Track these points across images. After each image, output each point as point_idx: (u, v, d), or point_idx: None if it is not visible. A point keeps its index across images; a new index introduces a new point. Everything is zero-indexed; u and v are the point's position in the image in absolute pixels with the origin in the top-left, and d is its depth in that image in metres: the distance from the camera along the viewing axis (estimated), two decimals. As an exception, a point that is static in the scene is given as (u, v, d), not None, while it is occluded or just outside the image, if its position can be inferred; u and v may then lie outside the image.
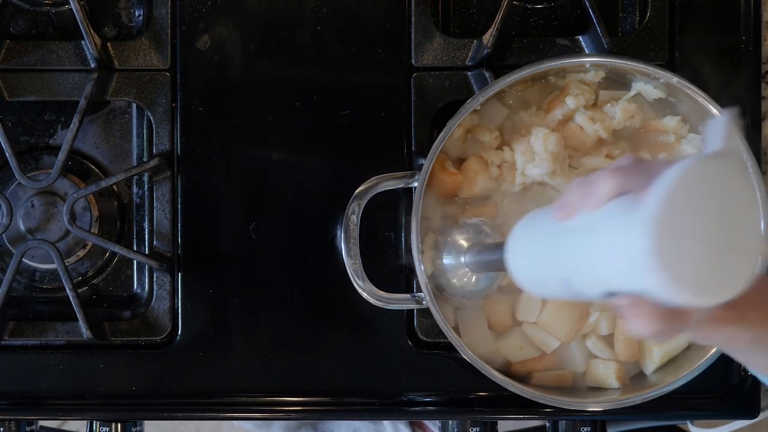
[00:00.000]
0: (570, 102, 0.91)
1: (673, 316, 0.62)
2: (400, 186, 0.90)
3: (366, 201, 0.89)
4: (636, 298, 0.61)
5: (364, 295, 0.90)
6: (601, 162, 0.91)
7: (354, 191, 0.90)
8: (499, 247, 0.77)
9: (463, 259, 0.89)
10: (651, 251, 0.57)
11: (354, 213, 0.89)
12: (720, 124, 0.62)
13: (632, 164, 0.64)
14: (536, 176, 0.90)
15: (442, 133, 0.88)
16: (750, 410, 0.98)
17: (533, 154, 0.90)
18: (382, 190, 0.90)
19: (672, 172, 0.58)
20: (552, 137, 0.89)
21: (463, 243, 0.91)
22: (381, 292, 0.90)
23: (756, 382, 0.98)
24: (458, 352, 0.90)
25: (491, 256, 0.83)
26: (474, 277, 0.91)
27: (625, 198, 0.62)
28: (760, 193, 0.82)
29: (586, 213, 0.64)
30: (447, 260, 0.91)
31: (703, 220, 0.58)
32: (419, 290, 0.97)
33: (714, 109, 0.88)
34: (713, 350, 0.89)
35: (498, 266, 0.80)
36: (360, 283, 0.89)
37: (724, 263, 0.59)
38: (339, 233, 0.97)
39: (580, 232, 0.64)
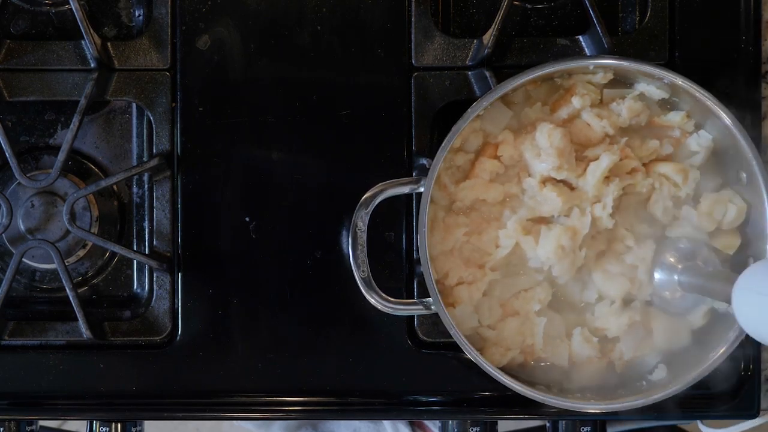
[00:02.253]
0: (576, 102, 0.91)
1: None
2: (406, 191, 0.90)
3: (372, 208, 0.89)
4: None
5: (373, 302, 0.90)
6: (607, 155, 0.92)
7: (354, 191, 0.90)
8: (722, 278, 0.81)
9: (676, 277, 0.90)
10: None
11: (361, 220, 0.89)
12: None
13: None
14: (543, 171, 0.90)
15: (447, 138, 0.88)
16: (750, 410, 0.98)
17: (539, 150, 0.90)
18: (388, 196, 0.90)
19: None
20: (557, 132, 0.90)
21: (672, 261, 0.91)
22: (390, 299, 0.90)
23: (756, 382, 0.98)
24: (458, 352, 0.90)
25: (712, 284, 0.85)
26: (682, 295, 0.91)
27: None
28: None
29: None
30: (657, 273, 0.91)
31: None
32: (420, 288, 0.98)
33: (719, 109, 0.89)
34: (716, 354, 0.89)
35: (716, 295, 0.83)
36: (368, 291, 0.89)
37: None
38: (342, 236, 0.97)
39: None
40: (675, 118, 0.92)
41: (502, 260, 0.92)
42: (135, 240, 1.01)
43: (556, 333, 0.93)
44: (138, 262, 1.00)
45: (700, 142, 0.92)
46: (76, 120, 0.94)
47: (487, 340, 0.93)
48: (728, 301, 0.78)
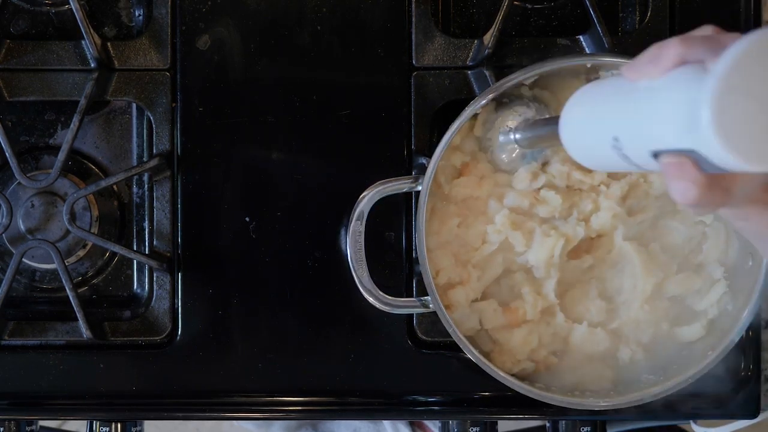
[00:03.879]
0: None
1: (716, 186, 0.64)
2: (404, 190, 0.90)
3: (371, 206, 0.89)
4: (684, 157, 0.63)
5: (372, 301, 0.90)
6: None
7: (354, 191, 0.90)
8: (552, 121, 0.80)
9: (512, 136, 0.90)
10: (711, 109, 0.59)
11: (359, 219, 0.89)
12: None
13: (704, 36, 0.66)
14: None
15: (445, 136, 0.88)
16: (750, 410, 0.98)
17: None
18: (387, 194, 0.90)
19: (742, 41, 0.60)
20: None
21: (510, 125, 0.91)
22: (389, 297, 0.90)
23: (756, 383, 0.98)
24: (458, 352, 0.90)
25: (544, 129, 0.85)
26: (520, 153, 0.92)
27: (693, 65, 0.64)
28: None
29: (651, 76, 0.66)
30: (500, 136, 0.92)
31: (766, 90, 0.60)
32: (419, 287, 0.97)
33: None
34: (715, 353, 0.89)
35: (550, 140, 0.83)
36: (367, 289, 0.89)
37: None
38: (341, 236, 0.97)
39: (643, 91, 0.66)
40: None
41: (488, 258, 0.92)
42: (135, 240, 1.01)
43: (559, 336, 0.93)
44: (138, 262, 1.00)
45: None
46: (76, 120, 0.94)
47: (495, 345, 0.92)
48: (557, 137, 0.78)
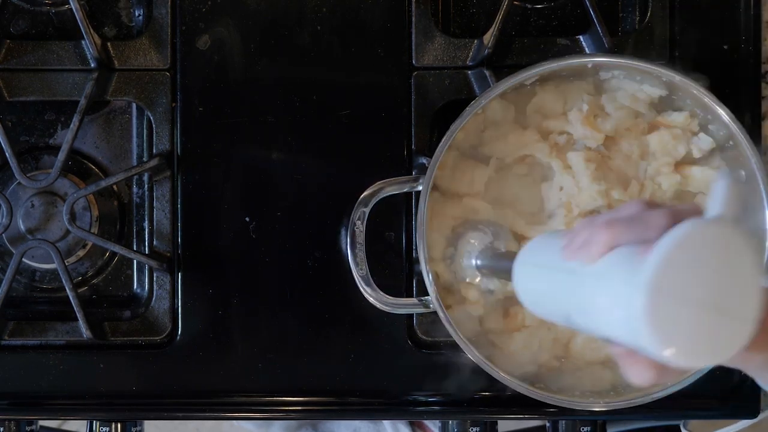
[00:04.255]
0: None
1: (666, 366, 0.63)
2: (405, 190, 0.90)
3: (371, 206, 0.89)
4: (632, 349, 0.62)
5: (372, 300, 0.89)
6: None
7: (354, 191, 0.90)
8: (511, 257, 0.78)
9: (474, 261, 0.90)
10: (645, 312, 0.58)
11: (360, 219, 0.89)
12: (722, 188, 0.63)
13: (630, 218, 0.64)
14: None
15: (445, 137, 0.88)
16: (750, 410, 0.98)
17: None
18: (387, 194, 0.90)
19: (671, 236, 0.59)
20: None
21: (475, 244, 0.91)
22: (389, 297, 0.90)
23: (756, 382, 0.98)
24: (458, 352, 0.90)
25: (502, 264, 0.84)
26: (484, 279, 0.91)
27: (630, 249, 0.63)
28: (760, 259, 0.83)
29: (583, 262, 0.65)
30: (464, 260, 0.91)
31: (699, 285, 0.59)
32: (419, 287, 0.97)
33: (718, 108, 0.88)
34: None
35: (505, 275, 0.81)
36: (367, 289, 0.89)
37: (718, 328, 0.59)
38: (342, 236, 0.97)
39: (584, 276, 0.65)
40: (678, 118, 0.92)
41: None
42: (135, 240, 1.01)
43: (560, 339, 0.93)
44: (138, 262, 1.00)
45: (701, 146, 0.92)
46: (76, 120, 0.94)
47: (496, 348, 0.92)
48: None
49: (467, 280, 0.92)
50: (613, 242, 0.63)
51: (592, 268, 0.64)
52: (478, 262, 0.90)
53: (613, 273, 0.62)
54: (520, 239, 0.92)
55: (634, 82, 0.91)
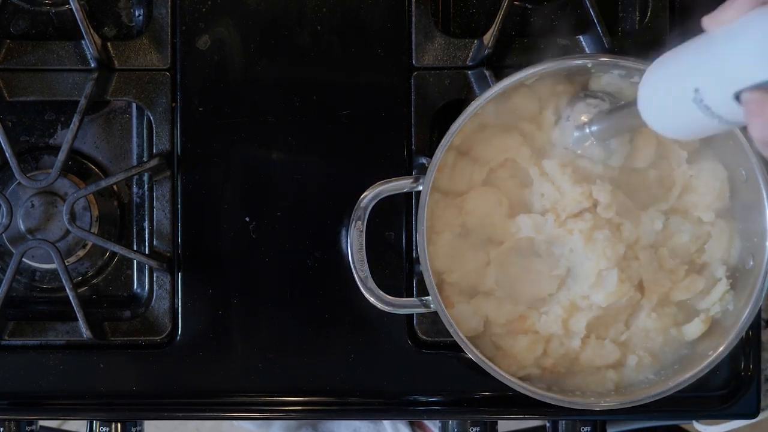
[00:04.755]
0: None
1: None
2: (405, 190, 0.90)
3: (371, 207, 0.89)
4: (763, 92, 0.64)
5: (372, 301, 0.90)
6: None
7: (354, 191, 0.90)
8: (629, 105, 0.82)
9: (588, 130, 0.90)
10: None
11: (360, 219, 0.89)
12: None
13: None
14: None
15: (445, 137, 0.88)
16: (750, 410, 0.98)
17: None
18: (387, 195, 0.90)
19: None
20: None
21: (584, 119, 0.91)
22: (390, 297, 0.90)
23: (756, 383, 0.98)
24: (458, 352, 0.90)
25: (621, 114, 0.87)
26: (598, 147, 0.91)
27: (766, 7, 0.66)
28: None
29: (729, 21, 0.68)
30: (575, 132, 0.91)
31: None
32: (419, 287, 0.97)
33: None
34: (716, 353, 0.89)
35: (629, 123, 0.85)
36: (368, 289, 0.89)
37: None
38: (342, 236, 0.97)
39: (720, 38, 0.68)
40: None
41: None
42: (135, 240, 1.01)
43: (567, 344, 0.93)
44: (138, 262, 1.00)
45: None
46: (76, 120, 0.94)
47: (499, 350, 0.92)
48: (639, 121, 0.79)
49: (579, 150, 0.91)
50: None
51: (731, 28, 0.67)
52: (593, 128, 0.90)
53: (758, 20, 0.65)
54: None
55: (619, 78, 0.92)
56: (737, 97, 0.67)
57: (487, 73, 0.95)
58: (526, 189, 0.93)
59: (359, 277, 0.89)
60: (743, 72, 0.66)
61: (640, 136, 0.92)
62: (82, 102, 0.95)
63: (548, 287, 0.92)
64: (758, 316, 0.96)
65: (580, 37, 0.98)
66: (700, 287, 0.92)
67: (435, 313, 0.89)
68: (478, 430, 0.99)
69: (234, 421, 1.08)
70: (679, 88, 0.72)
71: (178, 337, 0.97)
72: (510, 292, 0.92)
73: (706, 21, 0.70)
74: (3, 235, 0.96)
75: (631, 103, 0.80)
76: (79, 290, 0.99)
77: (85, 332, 0.94)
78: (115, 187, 1.01)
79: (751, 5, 0.67)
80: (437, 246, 0.91)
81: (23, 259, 0.96)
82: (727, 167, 0.92)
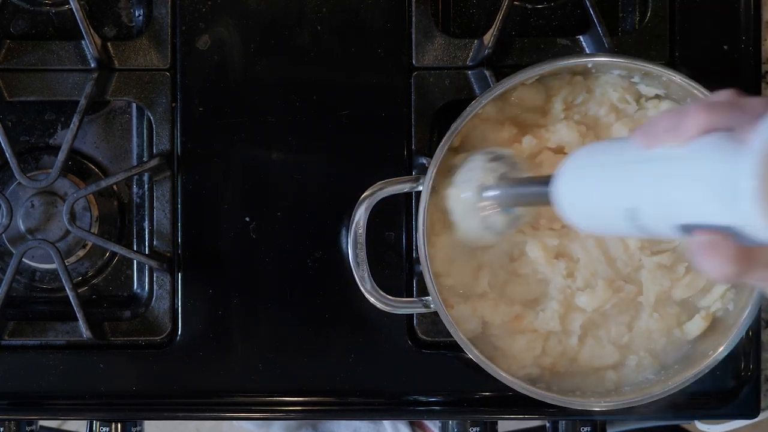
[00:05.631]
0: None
1: (747, 258, 0.61)
2: (405, 190, 0.90)
3: (372, 206, 0.89)
4: (715, 235, 0.60)
5: (372, 301, 0.90)
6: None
7: (354, 191, 0.90)
8: (541, 180, 0.77)
9: (490, 193, 0.85)
10: (755, 184, 0.57)
11: (360, 219, 0.89)
12: None
13: (728, 101, 0.63)
14: None
15: (446, 137, 0.88)
16: (750, 410, 0.98)
17: None
18: (387, 195, 0.90)
19: None
20: None
21: (486, 177, 0.86)
22: (389, 297, 0.90)
23: (756, 383, 0.98)
24: (458, 352, 0.90)
25: (530, 188, 0.81)
26: (494, 216, 0.86)
27: (720, 134, 0.61)
28: None
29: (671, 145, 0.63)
30: (465, 194, 0.87)
31: None
32: (419, 287, 0.97)
33: None
34: (716, 353, 0.89)
35: (538, 200, 0.78)
36: (368, 289, 0.89)
37: None
38: (342, 236, 0.97)
39: (662, 161, 0.63)
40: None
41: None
42: (135, 240, 1.01)
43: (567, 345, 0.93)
44: (138, 262, 1.00)
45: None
46: (76, 120, 0.94)
47: (498, 350, 0.92)
48: (546, 199, 0.75)
49: (482, 215, 0.87)
50: (710, 125, 0.61)
51: (680, 151, 0.62)
52: (496, 192, 0.85)
53: (710, 154, 0.60)
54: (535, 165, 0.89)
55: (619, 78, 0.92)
56: (684, 228, 0.62)
57: (487, 73, 0.95)
58: None
59: (359, 277, 0.89)
60: (690, 210, 0.61)
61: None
62: (82, 102, 0.95)
63: (537, 289, 0.92)
64: (758, 316, 0.96)
65: (580, 37, 0.98)
66: (701, 284, 0.92)
67: (435, 313, 0.89)
68: (478, 430, 0.99)
69: (234, 421, 1.08)
70: (609, 201, 0.68)
71: (178, 337, 0.97)
72: (502, 295, 0.92)
73: (642, 137, 0.65)
74: (3, 235, 0.96)
75: (545, 180, 0.76)
76: (79, 290, 0.99)
77: (85, 332, 0.94)
78: (115, 187, 1.01)
79: (699, 132, 0.62)
80: (436, 248, 0.91)
81: (23, 259, 0.96)
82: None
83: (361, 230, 0.89)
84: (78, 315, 0.94)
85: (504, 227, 0.87)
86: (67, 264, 0.96)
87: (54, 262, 0.94)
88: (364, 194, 0.89)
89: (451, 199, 0.88)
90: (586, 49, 0.98)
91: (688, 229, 0.63)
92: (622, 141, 0.69)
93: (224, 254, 0.97)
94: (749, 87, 0.98)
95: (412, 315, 0.97)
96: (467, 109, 0.88)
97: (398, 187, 0.90)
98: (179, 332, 0.97)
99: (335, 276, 0.97)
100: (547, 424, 1.00)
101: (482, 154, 0.88)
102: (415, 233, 0.92)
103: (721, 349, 0.90)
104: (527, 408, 0.97)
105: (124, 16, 1.01)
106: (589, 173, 0.72)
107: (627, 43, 0.98)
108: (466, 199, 0.87)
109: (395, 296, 0.90)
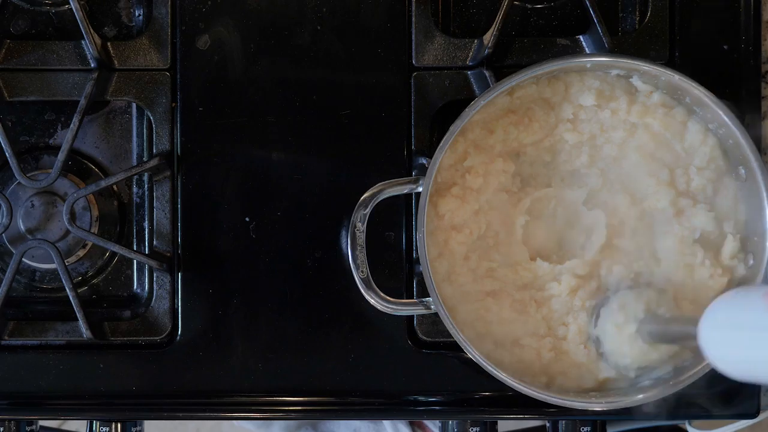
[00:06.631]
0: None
1: None
2: (405, 191, 0.90)
3: (371, 207, 0.89)
4: None
5: (372, 302, 0.90)
6: None
7: (354, 191, 0.90)
8: (687, 322, 0.77)
9: (635, 328, 0.86)
10: None
11: (360, 220, 0.89)
12: None
13: None
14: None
15: (445, 138, 0.88)
16: (750, 410, 0.98)
17: None
18: (387, 196, 0.90)
19: None
20: None
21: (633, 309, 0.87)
22: (390, 299, 0.90)
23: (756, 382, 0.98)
24: (458, 352, 0.90)
25: (677, 329, 0.82)
26: (640, 347, 0.88)
27: None
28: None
29: None
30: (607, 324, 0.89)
31: None
32: (420, 287, 0.98)
33: (717, 107, 0.88)
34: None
35: (683, 340, 0.80)
36: (368, 291, 0.89)
37: None
38: (342, 236, 0.97)
39: None
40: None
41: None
42: (135, 240, 1.01)
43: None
44: (138, 262, 1.00)
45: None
46: (76, 120, 0.94)
47: (498, 351, 0.92)
48: (693, 342, 0.76)
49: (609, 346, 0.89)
50: None
51: None
52: (643, 326, 0.86)
53: None
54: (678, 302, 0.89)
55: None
56: None
57: (487, 73, 0.95)
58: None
59: (359, 277, 0.89)
60: None
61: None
62: (82, 102, 0.95)
63: (534, 327, 0.92)
64: (758, 316, 0.96)
65: (580, 37, 0.98)
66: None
67: (435, 313, 0.89)
68: (478, 430, 0.99)
69: (234, 421, 1.08)
70: (762, 359, 0.68)
71: (178, 337, 0.97)
72: (503, 294, 0.92)
73: None
74: (3, 235, 0.96)
75: (692, 321, 0.76)
76: (79, 290, 0.99)
77: (85, 332, 0.95)
78: (115, 187, 1.01)
79: None
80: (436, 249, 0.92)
81: (23, 259, 0.96)
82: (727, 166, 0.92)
83: (361, 231, 0.89)
84: (78, 315, 0.94)
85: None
86: (67, 264, 0.96)
87: (54, 262, 0.94)
88: (364, 196, 0.89)
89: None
90: (586, 49, 0.98)
91: None
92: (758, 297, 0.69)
93: (224, 254, 0.98)
94: (749, 87, 0.98)
95: (412, 315, 0.97)
96: (467, 109, 0.88)
97: (398, 188, 0.90)
98: (179, 332, 0.97)
99: (335, 276, 0.97)
100: (547, 424, 1.00)
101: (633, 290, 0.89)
102: (415, 233, 0.92)
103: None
104: (527, 408, 0.97)
105: (124, 16, 1.01)
106: (730, 335, 0.73)
107: (627, 43, 0.98)
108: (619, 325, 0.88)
109: (395, 296, 0.90)
